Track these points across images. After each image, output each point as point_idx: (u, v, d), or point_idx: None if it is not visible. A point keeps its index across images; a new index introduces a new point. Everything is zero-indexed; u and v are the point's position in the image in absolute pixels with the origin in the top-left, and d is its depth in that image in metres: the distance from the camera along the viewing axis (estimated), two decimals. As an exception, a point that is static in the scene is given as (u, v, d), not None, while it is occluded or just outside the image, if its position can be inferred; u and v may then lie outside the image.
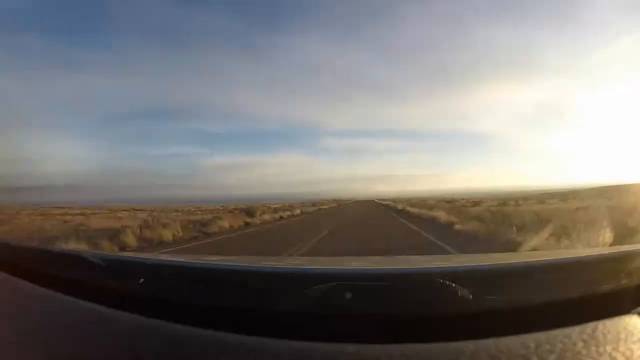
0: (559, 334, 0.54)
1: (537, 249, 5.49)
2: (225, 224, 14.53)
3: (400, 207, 31.47)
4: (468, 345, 0.53)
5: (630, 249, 0.83)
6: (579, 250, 2.08)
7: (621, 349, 0.51)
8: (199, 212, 26.13)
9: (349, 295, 0.64)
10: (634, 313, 0.60)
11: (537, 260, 0.90)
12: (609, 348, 0.51)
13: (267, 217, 20.51)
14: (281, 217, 22.14)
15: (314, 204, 48.99)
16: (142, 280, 0.77)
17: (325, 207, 46.40)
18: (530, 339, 0.53)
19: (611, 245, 3.98)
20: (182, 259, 1.18)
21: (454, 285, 0.64)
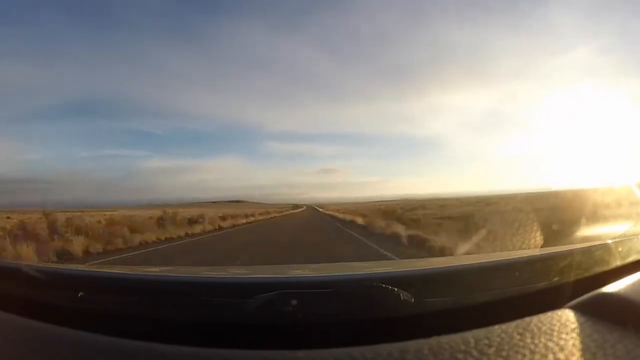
0: (497, 329, 0.58)
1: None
2: None
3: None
4: (412, 345, 0.54)
5: (561, 249, 0.91)
6: (513, 252, 2.27)
7: (555, 339, 0.54)
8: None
9: (293, 302, 0.65)
10: (566, 307, 0.65)
11: (474, 263, 0.95)
12: (543, 339, 0.54)
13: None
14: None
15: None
16: (81, 293, 0.74)
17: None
18: (470, 336, 0.56)
19: (542, 246, 4.35)
20: (121, 271, 1.12)
21: (395, 289, 0.66)
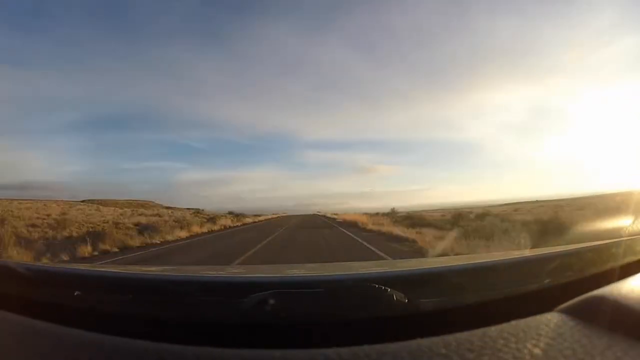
0: (480, 332, 0.55)
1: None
2: None
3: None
4: (391, 347, 0.53)
5: (552, 251, 0.90)
6: (505, 253, 2.28)
7: (541, 345, 0.51)
8: None
9: (286, 302, 0.66)
10: (556, 310, 0.62)
11: (468, 264, 0.94)
12: (529, 345, 0.51)
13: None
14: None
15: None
16: (77, 292, 0.75)
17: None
18: (453, 339, 0.54)
19: (532, 247, 4.37)
20: (118, 270, 1.12)
21: (389, 289, 0.66)
